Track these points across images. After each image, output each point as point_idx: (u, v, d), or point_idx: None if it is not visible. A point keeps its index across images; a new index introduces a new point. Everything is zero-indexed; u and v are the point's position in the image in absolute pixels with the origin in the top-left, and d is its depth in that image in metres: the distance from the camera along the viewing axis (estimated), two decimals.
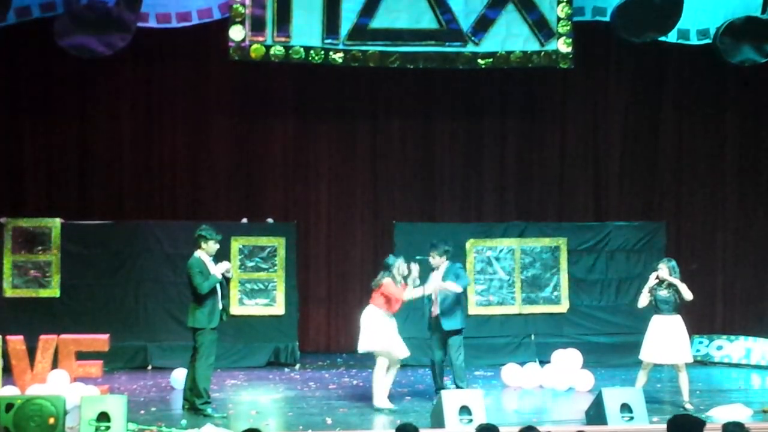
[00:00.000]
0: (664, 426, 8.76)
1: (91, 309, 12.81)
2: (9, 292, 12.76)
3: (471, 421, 8.47)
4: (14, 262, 12.81)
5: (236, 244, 13.10)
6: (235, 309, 12.99)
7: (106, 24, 12.18)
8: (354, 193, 14.78)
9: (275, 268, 13.25)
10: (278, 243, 13.26)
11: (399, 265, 10.24)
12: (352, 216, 14.78)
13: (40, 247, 12.84)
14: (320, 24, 13.03)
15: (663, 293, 10.16)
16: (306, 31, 13.03)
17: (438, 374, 10.75)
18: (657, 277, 10.19)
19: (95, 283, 12.95)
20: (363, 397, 10.73)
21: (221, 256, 10.33)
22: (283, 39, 12.99)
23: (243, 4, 12.85)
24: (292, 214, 14.29)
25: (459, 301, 10.68)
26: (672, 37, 13.58)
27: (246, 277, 13.16)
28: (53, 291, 12.82)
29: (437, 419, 8.76)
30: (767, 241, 15.03)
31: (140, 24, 12.61)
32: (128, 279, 13.06)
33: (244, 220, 13.52)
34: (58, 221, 12.91)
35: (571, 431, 8.39)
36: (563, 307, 13.53)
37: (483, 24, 13.24)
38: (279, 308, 13.24)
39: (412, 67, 13.38)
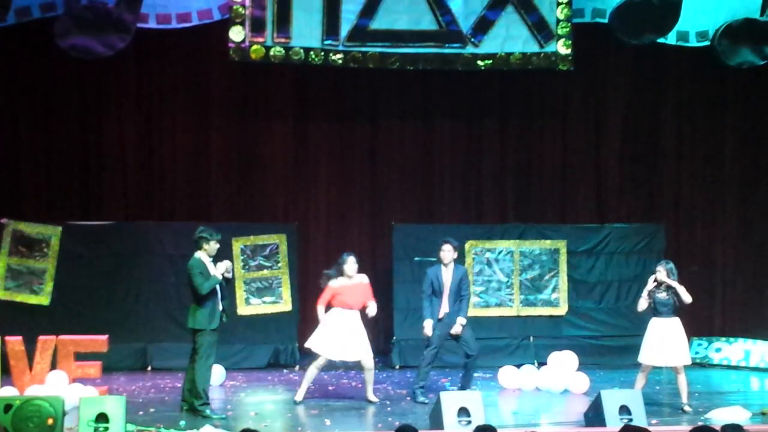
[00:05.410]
0: (662, 428, 8.86)
1: (92, 309, 12.77)
2: (1, 294, 12.69)
3: (470, 422, 8.47)
4: (9, 265, 12.76)
5: (238, 244, 13.10)
6: (242, 309, 13.03)
7: (106, 25, 12.20)
8: (353, 194, 14.75)
9: (279, 265, 13.25)
10: (280, 240, 13.27)
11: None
12: (351, 217, 14.76)
13: (37, 253, 12.76)
14: (320, 25, 13.04)
15: (662, 295, 10.14)
16: (306, 32, 13.04)
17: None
18: (656, 280, 10.18)
19: (96, 283, 12.92)
20: (362, 398, 10.75)
21: (223, 256, 10.34)
22: (283, 40, 13.00)
23: (243, 5, 12.87)
24: (291, 216, 14.28)
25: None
26: (671, 38, 13.60)
27: (250, 276, 13.17)
28: (43, 299, 12.73)
29: (436, 420, 8.77)
30: (767, 243, 15.03)
31: (140, 25, 12.63)
32: (129, 280, 13.05)
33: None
34: (59, 229, 12.84)
35: None
36: (562, 309, 13.54)
37: (482, 25, 13.25)
38: (286, 305, 13.22)
39: (411, 68, 13.40)
